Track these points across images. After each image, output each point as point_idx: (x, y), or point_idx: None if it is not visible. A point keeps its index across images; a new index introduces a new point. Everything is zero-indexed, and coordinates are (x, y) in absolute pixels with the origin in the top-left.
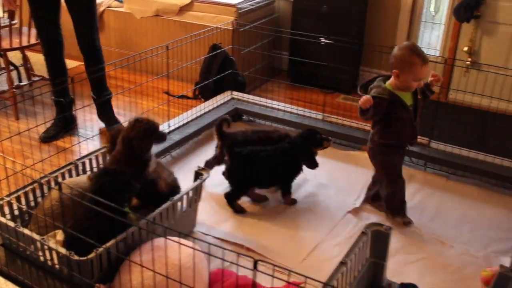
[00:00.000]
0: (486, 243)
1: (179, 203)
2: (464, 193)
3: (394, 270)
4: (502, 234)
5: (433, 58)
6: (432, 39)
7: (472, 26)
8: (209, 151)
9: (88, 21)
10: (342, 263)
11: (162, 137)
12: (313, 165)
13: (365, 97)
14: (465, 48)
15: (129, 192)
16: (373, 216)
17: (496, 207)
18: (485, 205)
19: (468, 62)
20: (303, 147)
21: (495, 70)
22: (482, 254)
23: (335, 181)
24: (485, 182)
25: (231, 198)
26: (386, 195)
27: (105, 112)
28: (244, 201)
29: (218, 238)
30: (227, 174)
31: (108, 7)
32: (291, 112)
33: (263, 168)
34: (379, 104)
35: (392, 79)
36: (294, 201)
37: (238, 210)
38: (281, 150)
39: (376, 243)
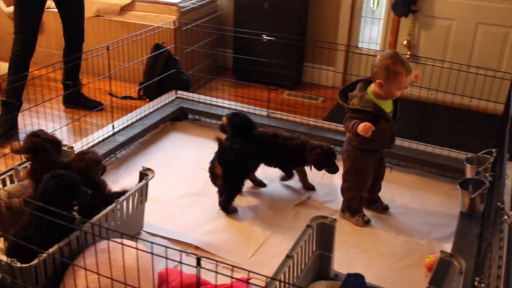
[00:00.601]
0: (429, 230)
1: (124, 205)
2: (407, 183)
3: (340, 261)
4: (444, 221)
5: (373, 52)
6: (373, 33)
7: (410, 21)
8: (155, 151)
9: (81, 12)
10: (288, 256)
11: (104, 168)
12: (335, 169)
13: (367, 125)
14: (404, 42)
15: (76, 197)
16: (321, 210)
17: (437, 195)
18: (427, 194)
19: (407, 56)
20: (319, 166)
21: (432, 63)
22: (425, 241)
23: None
24: (426, 171)
25: (226, 205)
26: (349, 198)
27: (81, 96)
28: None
29: (166, 238)
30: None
31: (48, 8)
32: (236, 110)
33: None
34: (364, 118)
35: (373, 87)
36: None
37: (231, 211)
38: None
39: (322, 235)
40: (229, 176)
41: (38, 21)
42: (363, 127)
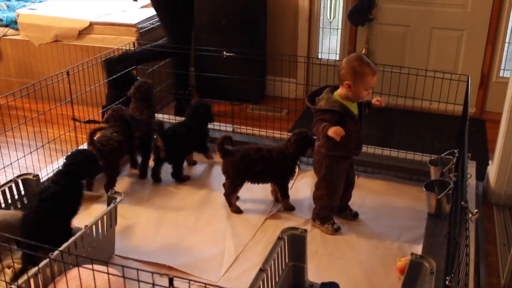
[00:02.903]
0: (399, 234)
1: (94, 230)
2: (375, 189)
3: (314, 271)
4: (413, 223)
5: (332, 62)
6: (331, 44)
7: (366, 29)
8: (123, 173)
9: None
10: (262, 270)
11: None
12: None
13: (338, 129)
14: (363, 50)
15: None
16: (291, 220)
17: (404, 198)
18: (394, 198)
19: None
20: (303, 149)
21: (390, 69)
22: (396, 245)
23: (251, 189)
24: (392, 176)
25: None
26: (320, 206)
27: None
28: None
29: (138, 260)
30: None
31: (4, 36)
32: None
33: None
34: (332, 118)
35: (340, 90)
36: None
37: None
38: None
39: (294, 247)
40: (170, 148)
41: None
42: (335, 130)
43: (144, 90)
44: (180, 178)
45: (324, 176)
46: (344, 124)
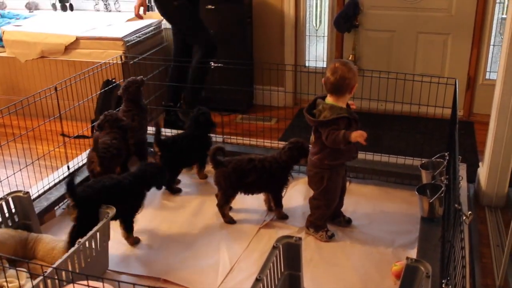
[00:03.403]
0: (393, 239)
1: (87, 245)
2: (367, 194)
3: (310, 279)
4: (406, 227)
5: (320, 69)
6: (318, 51)
7: (352, 36)
8: None
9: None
10: (258, 279)
11: None
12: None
13: (362, 132)
14: (350, 57)
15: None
16: (285, 229)
17: (397, 203)
18: (387, 203)
19: None
20: (297, 158)
21: (378, 75)
22: (391, 250)
23: (244, 199)
24: (384, 181)
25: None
26: (318, 215)
27: (179, 120)
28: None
29: (133, 275)
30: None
31: None
32: None
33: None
34: (343, 124)
35: (331, 97)
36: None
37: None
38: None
39: (289, 255)
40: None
41: None
42: (361, 134)
43: (132, 91)
44: (171, 189)
45: (326, 188)
46: (349, 127)
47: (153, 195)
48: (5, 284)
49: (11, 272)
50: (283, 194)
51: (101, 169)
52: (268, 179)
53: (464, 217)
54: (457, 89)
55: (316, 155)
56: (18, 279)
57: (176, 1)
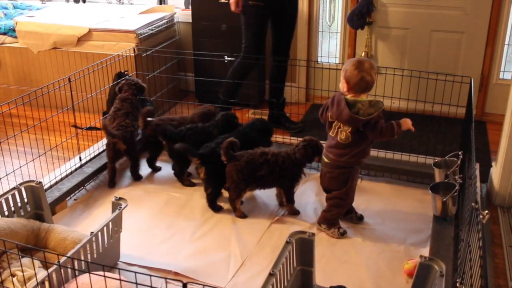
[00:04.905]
0: (405, 237)
1: (99, 236)
2: (378, 192)
3: (322, 275)
4: (418, 225)
5: (333, 66)
6: (331, 48)
7: (366, 32)
8: (125, 180)
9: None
10: (271, 274)
11: None
12: None
13: (407, 120)
14: (362, 54)
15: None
16: (297, 225)
17: (409, 201)
18: (399, 201)
19: None
20: (311, 157)
21: (391, 72)
22: (403, 247)
23: (255, 193)
24: (396, 179)
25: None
26: (335, 213)
27: (283, 116)
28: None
29: (144, 267)
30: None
31: (2, 43)
32: None
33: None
34: (383, 117)
35: (355, 95)
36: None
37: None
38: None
39: (302, 251)
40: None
41: None
42: (406, 121)
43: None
44: (182, 180)
45: (350, 188)
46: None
47: (162, 188)
48: (18, 272)
49: (23, 261)
50: (294, 190)
51: (126, 147)
52: (280, 174)
53: (481, 216)
54: (472, 88)
55: (345, 156)
56: (34, 268)
57: (251, 1)
